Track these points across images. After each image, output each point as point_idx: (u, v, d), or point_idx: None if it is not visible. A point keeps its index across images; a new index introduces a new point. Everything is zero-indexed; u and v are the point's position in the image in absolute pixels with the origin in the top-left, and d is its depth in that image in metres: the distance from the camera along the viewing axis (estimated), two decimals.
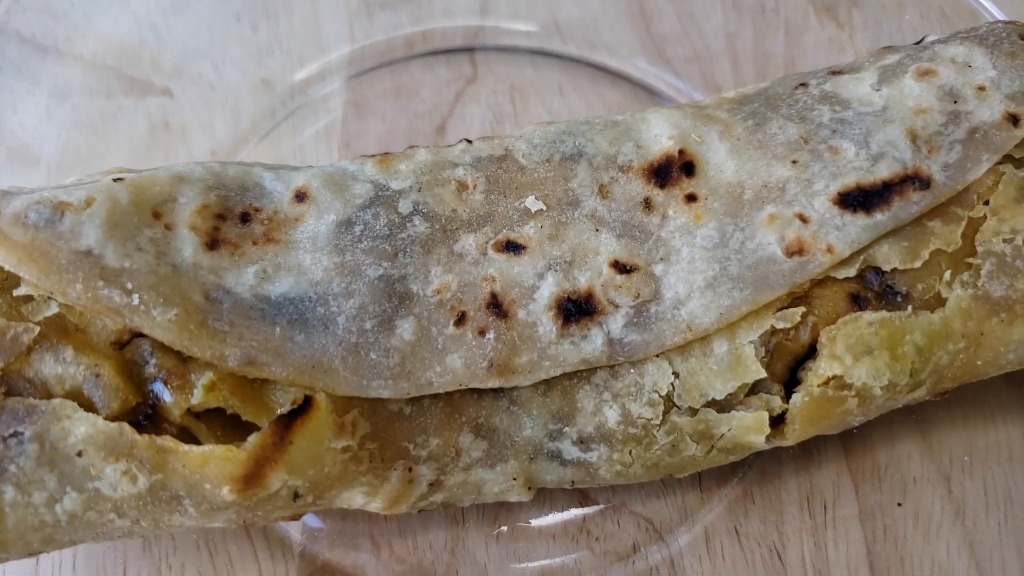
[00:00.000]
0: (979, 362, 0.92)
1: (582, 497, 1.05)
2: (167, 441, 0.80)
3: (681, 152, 0.99)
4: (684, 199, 0.97)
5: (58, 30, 1.33)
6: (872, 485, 1.04)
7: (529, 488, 0.96)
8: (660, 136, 1.01)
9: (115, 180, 0.92)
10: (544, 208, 0.97)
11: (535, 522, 1.03)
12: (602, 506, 1.04)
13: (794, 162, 0.97)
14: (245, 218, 0.94)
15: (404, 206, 0.97)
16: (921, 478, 1.05)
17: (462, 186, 0.99)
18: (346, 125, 1.28)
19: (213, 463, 0.80)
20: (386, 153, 1.03)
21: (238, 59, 1.32)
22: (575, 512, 1.04)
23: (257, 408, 0.84)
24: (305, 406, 0.83)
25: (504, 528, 1.03)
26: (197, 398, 0.82)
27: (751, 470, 1.05)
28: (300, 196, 0.96)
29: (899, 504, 1.03)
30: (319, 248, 0.93)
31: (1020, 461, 1.04)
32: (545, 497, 1.04)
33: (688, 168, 0.98)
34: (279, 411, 0.84)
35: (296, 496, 0.86)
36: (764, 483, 1.05)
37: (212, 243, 0.91)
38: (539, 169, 1.00)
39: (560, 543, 1.02)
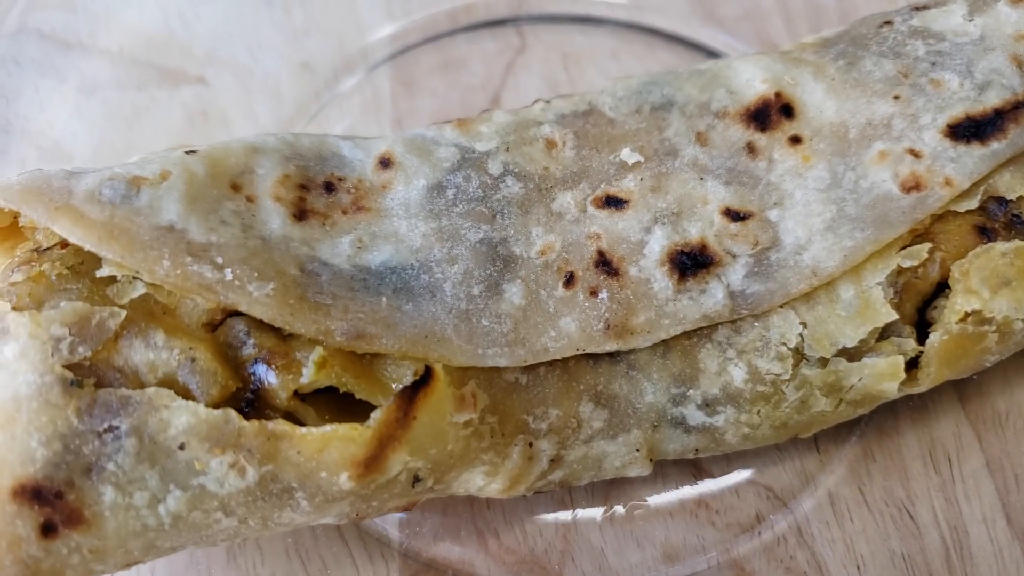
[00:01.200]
0: None
1: (695, 470, 0.98)
2: (280, 425, 0.72)
3: (778, 95, 0.94)
4: (788, 141, 0.92)
5: (80, 25, 1.25)
6: (995, 434, 0.99)
7: (651, 460, 0.89)
8: (752, 80, 0.96)
9: (187, 153, 0.84)
10: (641, 159, 0.92)
11: (650, 500, 0.96)
12: (717, 477, 0.98)
13: (896, 97, 0.92)
14: (329, 188, 0.87)
15: (494, 167, 0.90)
16: None
17: (550, 143, 0.93)
18: (396, 103, 1.21)
19: (333, 446, 0.72)
20: (461, 119, 0.97)
21: (274, 43, 1.26)
22: (690, 487, 0.97)
23: (371, 385, 0.77)
24: (426, 377, 0.76)
25: (618, 508, 0.96)
26: (307, 377, 0.74)
27: (868, 427, 1.00)
28: (384, 162, 0.89)
29: None
30: (413, 214, 0.86)
31: None
32: (657, 473, 0.97)
33: (787, 110, 0.93)
34: (397, 385, 0.77)
35: (416, 480, 0.78)
36: (883, 440, 0.99)
37: (300, 214, 0.84)
38: (629, 121, 0.95)
39: (679, 520, 0.96)
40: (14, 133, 1.18)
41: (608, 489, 0.97)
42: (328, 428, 0.72)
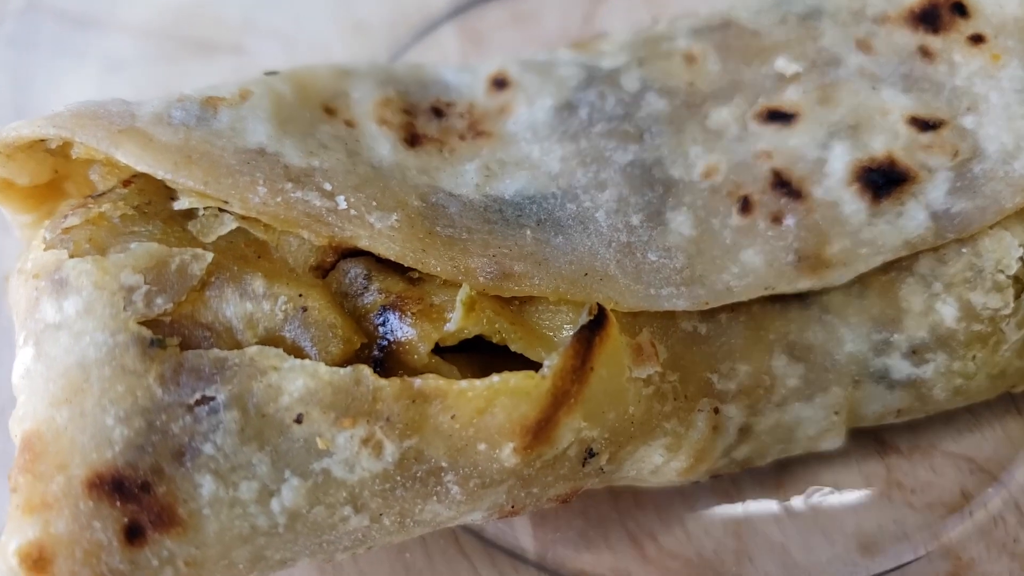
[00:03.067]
0: None
1: (878, 445, 0.81)
2: (430, 381, 0.55)
3: None
4: (968, 41, 0.78)
5: (97, 1, 1.11)
6: None
7: (846, 428, 0.72)
8: None
9: (266, 74, 0.69)
10: (800, 70, 0.77)
11: (831, 485, 0.79)
12: (905, 452, 0.81)
13: None
14: (438, 112, 0.71)
15: (629, 83, 0.75)
16: None
17: (689, 58, 0.78)
18: (467, 62, 1.06)
19: (500, 404, 0.55)
20: (574, 41, 0.82)
21: (317, 5, 1.11)
22: (876, 464, 0.80)
23: (529, 336, 0.60)
24: (600, 320, 0.59)
25: (796, 499, 0.79)
26: (455, 323, 0.58)
27: None
28: (499, 83, 0.74)
29: None
30: (544, 137, 0.71)
31: None
32: (833, 453, 0.80)
33: (959, 8, 0.79)
34: (562, 336, 0.60)
35: (589, 455, 0.61)
36: None
37: (411, 139, 0.68)
38: (775, 31, 0.80)
39: (870, 505, 0.79)
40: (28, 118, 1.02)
41: (780, 475, 0.79)
42: (495, 379, 0.55)
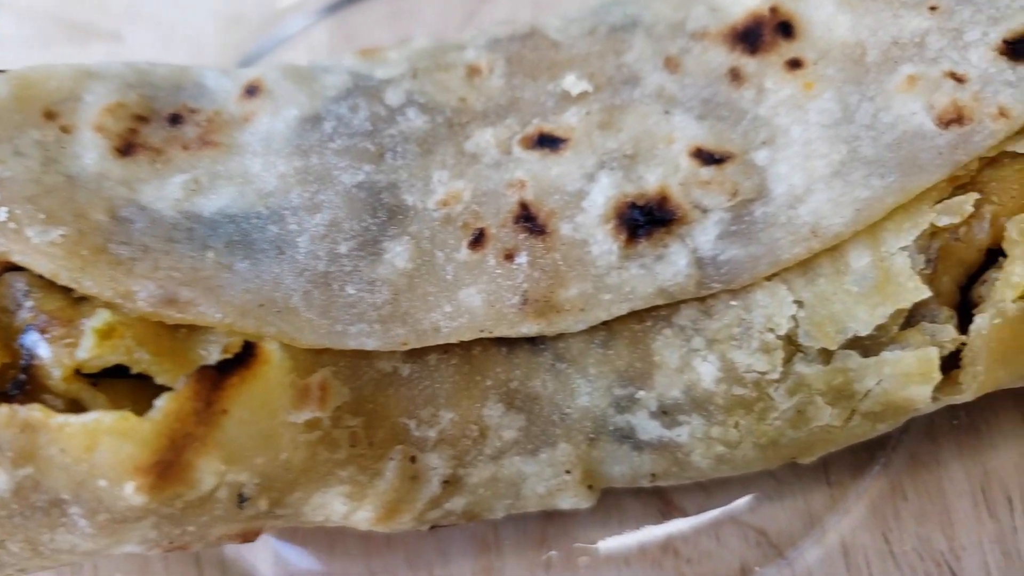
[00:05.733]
0: None
1: (663, 504, 0.74)
2: (33, 411, 0.52)
3: (773, 10, 0.71)
4: (785, 66, 0.69)
5: None
6: None
7: (590, 487, 0.66)
8: None
9: None
10: (590, 88, 0.70)
11: (600, 543, 0.73)
12: (693, 516, 0.74)
13: (933, 8, 0.69)
14: (176, 120, 0.68)
15: (393, 96, 0.70)
16: None
17: (473, 70, 0.72)
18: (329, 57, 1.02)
19: (104, 443, 0.52)
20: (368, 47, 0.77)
21: None
22: (654, 526, 0.73)
23: (181, 366, 0.56)
24: (245, 356, 0.55)
25: (555, 553, 0.73)
26: (86, 350, 0.54)
27: (896, 453, 0.75)
28: (251, 90, 0.70)
29: None
30: (274, 151, 0.66)
31: None
32: (611, 505, 0.74)
33: (785, 28, 0.71)
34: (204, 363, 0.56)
35: (242, 499, 0.57)
36: (917, 471, 0.74)
37: (125, 148, 0.65)
38: (579, 43, 0.73)
39: (637, 570, 0.72)
40: None
41: (545, 527, 0.74)
42: (92, 417, 0.52)
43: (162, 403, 0.53)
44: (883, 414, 0.65)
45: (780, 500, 0.74)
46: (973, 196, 0.63)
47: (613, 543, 0.73)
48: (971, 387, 0.63)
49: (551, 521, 0.74)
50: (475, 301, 0.62)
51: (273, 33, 1.07)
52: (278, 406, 0.56)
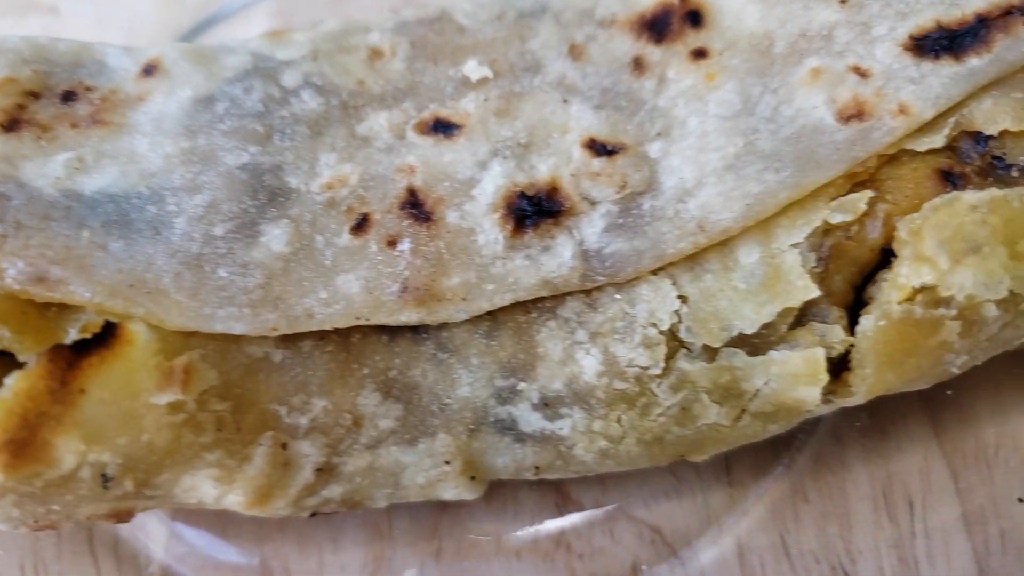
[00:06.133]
0: None
1: (560, 497, 0.74)
2: None
3: None
4: (690, 56, 0.68)
5: None
6: (979, 474, 0.72)
7: (473, 478, 0.65)
8: None
9: None
10: (490, 75, 0.69)
11: (492, 535, 0.72)
12: (589, 511, 0.73)
13: (843, 1, 0.68)
14: (69, 97, 0.67)
15: (290, 78, 0.69)
16: None
17: (376, 53, 0.71)
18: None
19: None
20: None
21: None
22: (550, 520, 0.73)
23: (45, 345, 0.56)
24: (105, 336, 0.55)
25: (446, 544, 0.72)
26: None
27: (800, 454, 0.74)
28: (149, 70, 0.69)
29: (1021, 500, 0.71)
30: (164, 131, 0.65)
31: None
32: (505, 497, 0.73)
33: (694, 17, 0.69)
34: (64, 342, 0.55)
35: (106, 480, 0.57)
36: (820, 474, 0.73)
37: (9, 124, 0.64)
38: (485, 29, 0.72)
39: (528, 563, 0.71)
40: None
41: (438, 516, 0.73)
42: None
43: (12, 381, 0.52)
44: (774, 415, 0.64)
45: (678, 498, 0.73)
46: (867, 194, 0.61)
47: (506, 536, 0.72)
48: (861, 389, 0.62)
49: (445, 511, 0.73)
50: (353, 287, 0.61)
51: (212, 11, 1.06)
52: (141, 387, 0.55)
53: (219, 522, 0.73)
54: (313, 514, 0.65)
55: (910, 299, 0.58)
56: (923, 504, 0.72)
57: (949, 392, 0.73)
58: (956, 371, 0.64)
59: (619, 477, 0.73)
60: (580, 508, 0.73)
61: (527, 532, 0.72)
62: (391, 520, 0.73)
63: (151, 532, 0.74)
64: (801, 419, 0.65)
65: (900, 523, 0.71)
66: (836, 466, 0.73)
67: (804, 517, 0.72)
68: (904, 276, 0.59)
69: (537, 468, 0.66)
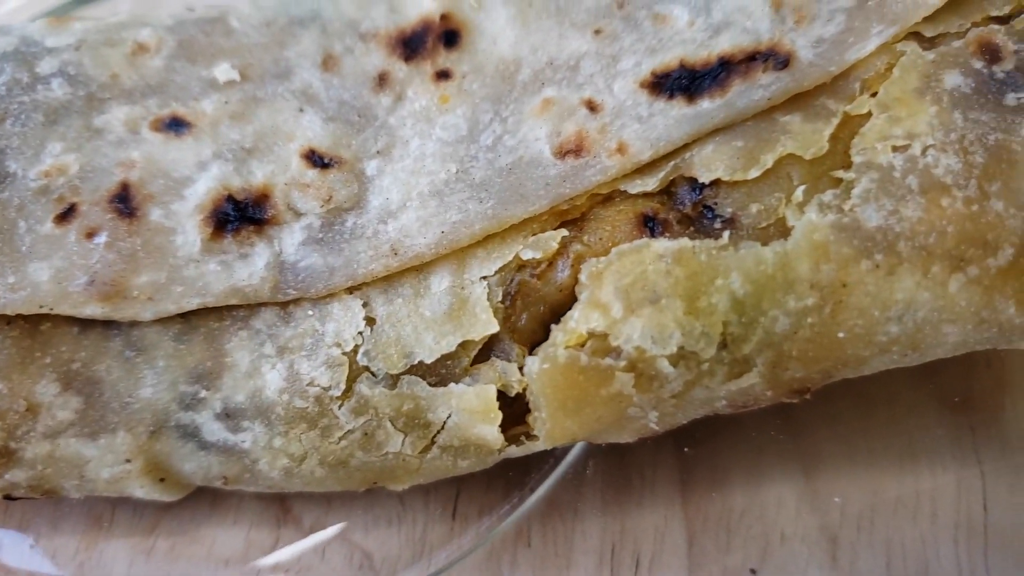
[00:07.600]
0: (841, 334, 0.56)
1: (282, 511, 0.72)
2: None
3: (444, 17, 0.68)
4: (433, 76, 0.67)
5: None
6: (716, 541, 0.68)
7: (163, 480, 0.64)
8: None
9: None
10: (238, 78, 0.68)
11: (207, 540, 0.71)
12: (308, 527, 0.71)
13: (597, 32, 0.66)
14: None
15: (47, 66, 0.70)
16: (793, 536, 0.68)
17: (140, 48, 0.71)
18: None
19: None
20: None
21: None
22: (267, 530, 0.71)
23: None
24: None
25: (160, 543, 0.71)
26: None
27: (532, 496, 0.71)
28: None
29: (752, 572, 0.67)
30: None
31: (945, 520, 0.66)
32: (229, 505, 0.72)
33: (450, 37, 0.68)
34: None
35: None
36: (550, 519, 0.70)
37: None
38: (252, 33, 0.72)
39: (235, 571, 0.70)
40: None
41: (160, 516, 0.72)
42: None
43: None
44: (463, 450, 0.62)
45: (399, 526, 0.71)
46: (561, 233, 0.59)
47: (219, 542, 0.71)
48: (541, 433, 0.59)
49: (168, 511, 0.72)
50: (42, 276, 0.61)
51: None
52: None
53: None
54: (8, 496, 0.66)
55: (579, 345, 0.56)
56: (650, 565, 0.68)
57: (687, 449, 0.69)
58: (656, 427, 0.61)
59: (345, 498, 0.71)
60: (299, 524, 0.71)
61: (239, 542, 0.71)
62: (114, 512, 0.73)
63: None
64: (496, 459, 0.63)
65: None
66: (567, 513, 0.70)
67: (523, 562, 0.69)
68: (575, 320, 0.56)
69: (226, 479, 0.64)
